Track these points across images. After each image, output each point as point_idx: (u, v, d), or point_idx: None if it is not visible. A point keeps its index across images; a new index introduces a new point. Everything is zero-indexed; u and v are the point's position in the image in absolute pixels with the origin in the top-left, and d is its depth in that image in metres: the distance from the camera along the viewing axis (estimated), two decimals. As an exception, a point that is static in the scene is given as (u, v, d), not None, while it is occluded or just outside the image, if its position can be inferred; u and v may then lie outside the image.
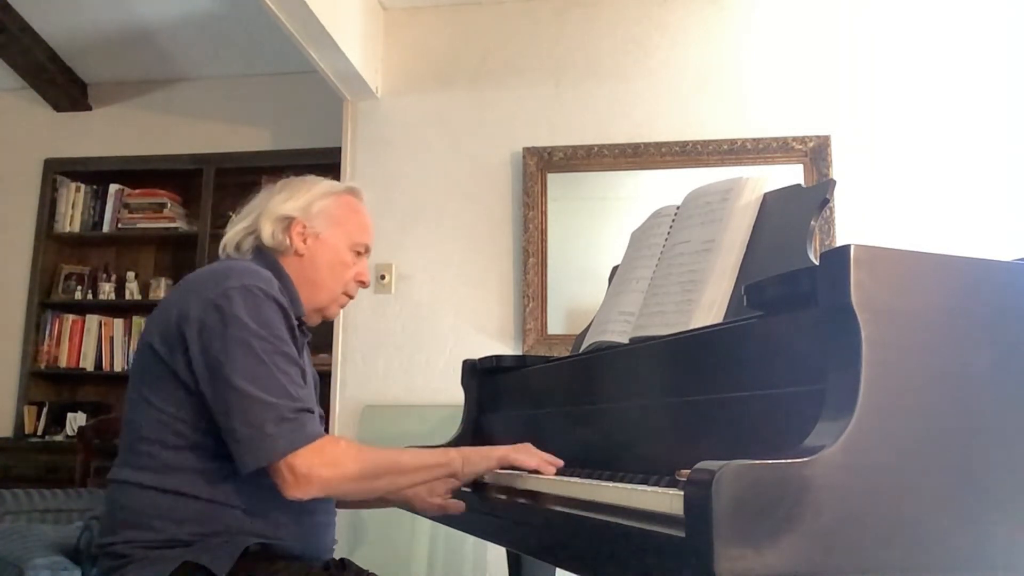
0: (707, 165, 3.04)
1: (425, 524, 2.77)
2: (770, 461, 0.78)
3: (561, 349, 2.92)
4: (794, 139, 3.01)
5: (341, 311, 1.59)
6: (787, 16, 3.12)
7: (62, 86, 3.97)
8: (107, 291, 3.89)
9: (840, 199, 2.92)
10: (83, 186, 4.00)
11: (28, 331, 3.87)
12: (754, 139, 3.03)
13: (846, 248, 0.88)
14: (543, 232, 3.12)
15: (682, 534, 0.81)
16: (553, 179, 3.16)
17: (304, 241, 1.47)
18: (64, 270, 3.99)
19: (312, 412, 1.27)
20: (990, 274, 0.95)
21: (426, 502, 1.49)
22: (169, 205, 3.91)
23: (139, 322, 3.86)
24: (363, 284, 1.56)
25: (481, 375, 1.94)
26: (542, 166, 3.15)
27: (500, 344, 3.06)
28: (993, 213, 2.86)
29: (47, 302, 3.92)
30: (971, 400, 0.89)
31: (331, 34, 2.82)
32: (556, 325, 3.06)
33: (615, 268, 1.74)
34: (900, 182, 2.95)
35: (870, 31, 3.06)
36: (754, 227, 1.35)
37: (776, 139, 3.02)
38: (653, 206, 1.61)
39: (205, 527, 1.24)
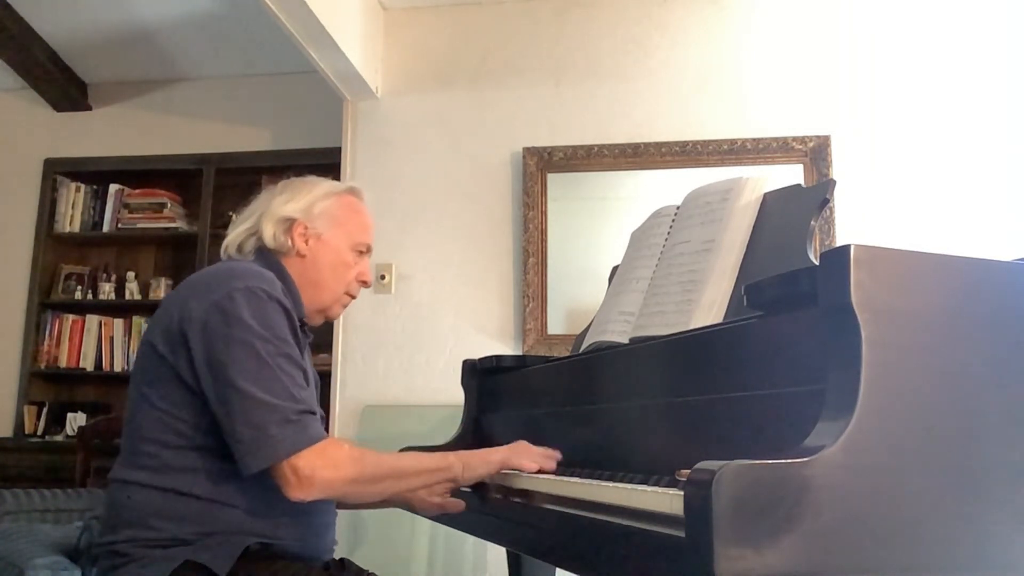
0: (707, 165, 3.04)
1: (425, 524, 2.77)
2: (770, 461, 0.78)
3: (561, 349, 2.92)
4: (794, 139, 3.01)
5: (343, 311, 1.59)
6: (787, 16, 3.12)
7: (62, 86, 3.97)
8: (107, 291, 3.89)
9: (840, 199, 2.92)
10: (83, 186, 4.00)
11: (28, 331, 3.87)
12: (754, 139, 3.03)
13: (846, 248, 0.88)
14: (543, 232, 3.12)
15: (682, 534, 0.81)
16: (553, 179, 3.16)
17: (306, 242, 1.48)
18: (64, 270, 3.99)
19: (314, 414, 1.27)
20: (990, 274, 0.95)
21: (425, 502, 1.49)
22: (169, 205, 3.91)
23: (139, 322, 3.86)
24: (365, 284, 1.56)
25: (481, 375, 1.94)
26: (542, 166, 3.15)
27: (500, 344, 3.06)
28: (993, 213, 2.86)
29: (47, 302, 3.92)
30: (971, 400, 0.89)
31: (331, 34, 2.82)
32: (556, 325, 3.06)
33: (615, 268, 1.74)
34: (900, 182, 2.95)
35: (870, 31, 3.06)
36: (754, 227, 1.35)
37: (776, 139, 3.02)
38: (653, 206, 1.61)
39: (206, 526, 1.25)
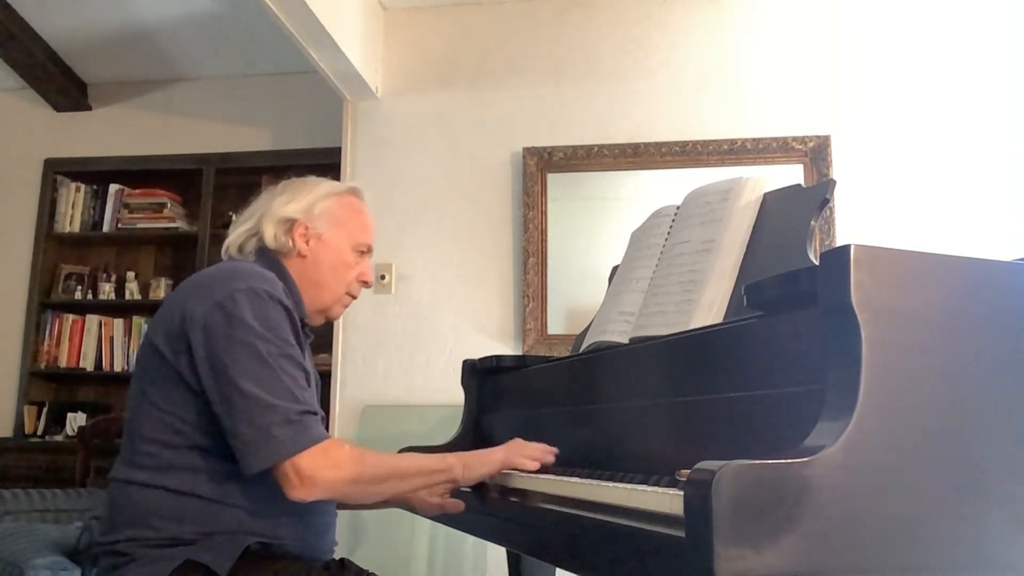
0: (707, 165, 3.04)
1: (425, 524, 2.77)
2: (770, 461, 0.78)
3: (561, 349, 2.92)
4: (794, 139, 3.01)
5: (344, 311, 1.59)
6: (787, 16, 3.12)
7: (62, 86, 3.97)
8: (107, 291, 3.89)
9: (840, 199, 2.92)
10: (83, 186, 4.00)
11: (28, 331, 3.87)
12: (754, 139, 3.03)
13: (846, 248, 0.88)
14: (543, 232, 3.12)
15: (682, 534, 0.81)
16: (553, 179, 3.16)
17: (307, 242, 1.48)
18: (64, 270, 3.99)
19: (316, 414, 1.28)
20: (990, 274, 0.95)
21: (425, 502, 1.49)
22: (169, 205, 3.91)
23: (139, 322, 3.86)
24: (366, 284, 1.57)
25: (481, 375, 1.94)
26: (542, 166, 3.15)
27: (500, 344, 3.06)
28: (993, 213, 2.86)
29: (47, 302, 3.92)
30: (971, 400, 0.89)
31: (331, 34, 2.82)
32: (556, 325, 3.06)
33: (615, 268, 1.74)
34: (900, 182, 2.95)
35: (870, 31, 3.06)
36: (754, 227, 1.35)
37: (776, 139, 3.02)
38: (653, 206, 1.61)
39: (206, 526, 1.25)
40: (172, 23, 3.65)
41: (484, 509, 1.48)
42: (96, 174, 4.00)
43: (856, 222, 2.91)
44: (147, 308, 3.86)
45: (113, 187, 3.96)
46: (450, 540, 2.88)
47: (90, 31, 3.73)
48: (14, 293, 3.92)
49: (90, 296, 3.93)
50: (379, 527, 2.88)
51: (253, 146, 3.89)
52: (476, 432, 1.90)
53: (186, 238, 3.90)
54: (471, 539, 2.81)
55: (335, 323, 3.12)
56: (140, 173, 3.97)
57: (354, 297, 1.57)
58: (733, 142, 3.04)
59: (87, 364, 3.85)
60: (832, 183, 1.35)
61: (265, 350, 1.24)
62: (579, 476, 1.25)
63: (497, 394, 1.89)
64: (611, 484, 1.08)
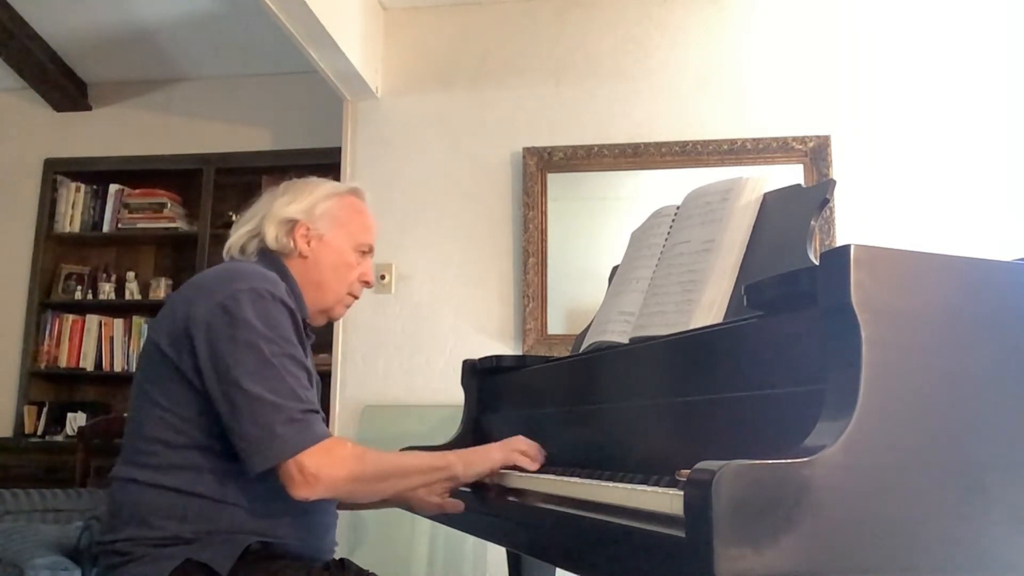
0: (707, 165, 3.04)
1: (425, 524, 2.77)
2: (770, 461, 0.78)
3: (561, 349, 2.92)
4: (794, 139, 3.01)
5: (346, 311, 1.60)
6: (787, 16, 3.12)
7: (62, 86, 3.97)
8: (107, 291, 3.89)
9: (840, 199, 2.92)
10: (83, 186, 4.00)
11: (28, 331, 3.87)
12: (754, 139, 3.03)
13: (846, 248, 0.87)
14: (543, 232, 3.12)
15: (682, 534, 0.81)
16: (553, 179, 3.16)
17: (308, 243, 1.48)
18: (64, 270, 3.99)
19: (318, 413, 1.28)
20: (990, 274, 0.95)
21: (425, 502, 1.49)
22: (169, 205, 3.91)
23: (139, 322, 3.86)
24: (367, 284, 1.57)
25: (481, 375, 1.94)
26: (542, 166, 3.15)
27: (500, 344, 3.06)
28: (993, 213, 2.86)
29: (47, 302, 3.92)
30: (971, 400, 0.89)
31: (331, 34, 2.82)
32: (556, 325, 3.06)
33: (615, 268, 1.74)
34: (900, 182, 2.95)
35: (870, 31, 3.06)
36: (754, 227, 1.35)
37: (776, 139, 3.02)
38: (653, 206, 1.61)
39: (207, 525, 1.25)
40: (172, 23, 3.65)
41: (484, 509, 1.48)
42: (96, 174, 4.00)
43: (856, 222, 2.91)
44: (147, 308, 3.86)
45: (113, 187, 3.96)
46: (450, 540, 2.88)
47: (90, 31, 3.73)
48: (14, 293, 3.92)
49: (90, 296, 3.93)
50: (379, 527, 2.88)
51: (253, 146, 3.89)
52: (476, 432, 1.90)
53: (186, 238, 3.90)
54: (471, 539, 2.81)
55: (335, 323, 3.12)
56: (140, 173, 3.97)
57: (356, 297, 1.57)
58: (733, 142, 3.04)
59: (87, 364, 3.85)
60: (832, 183, 1.35)
61: (268, 350, 1.25)
62: (579, 476, 1.25)
63: (497, 394, 1.89)
64: (611, 484, 1.08)
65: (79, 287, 3.94)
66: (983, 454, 0.88)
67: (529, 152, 3.16)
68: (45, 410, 3.79)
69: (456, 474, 1.40)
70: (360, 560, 1.38)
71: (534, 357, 1.92)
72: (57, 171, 4.02)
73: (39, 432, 3.75)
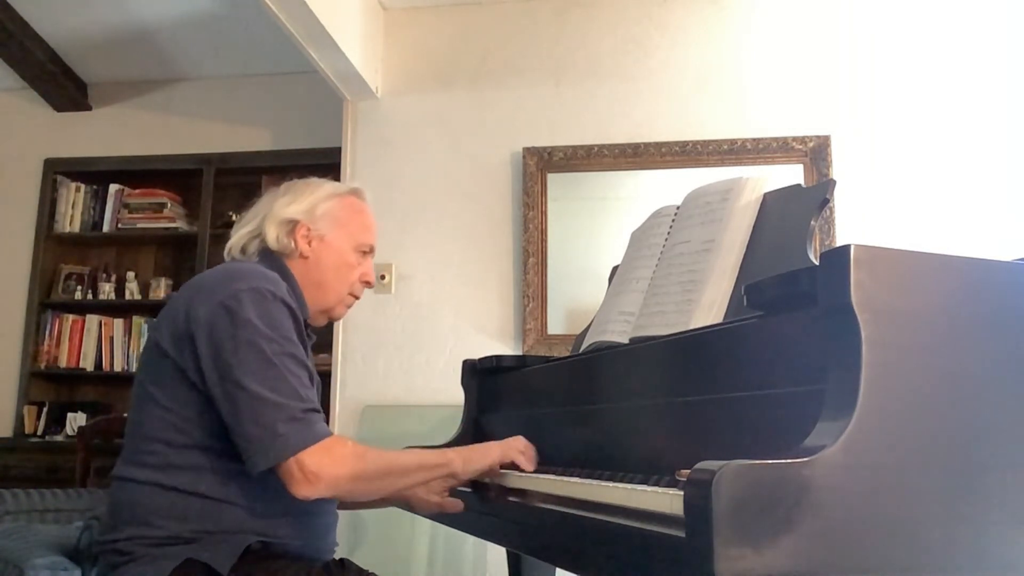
0: (707, 165, 3.04)
1: (425, 524, 2.77)
2: (770, 461, 0.78)
3: (561, 349, 2.92)
4: (794, 139, 3.01)
5: (347, 311, 1.60)
6: (787, 16, 3.12)
7: (62, 86, 3.97)
8: (107, 291, 3.89)
9: (840, 199, 2.92)
10: (83, 186, 4.00)
11: (28, 331, 3.87)
12: (754, 139, 3.03)
13: (846, 248, 0.88)
14: (543, 232, 3.12)
15: (682, 534, 0.81)
16: (553, 179, 3.16)
17: (309, 244, 1.49)
18: (64, 270, 3.99)
19: (319, 412, 1.28)
20: (990, 274, 0.95)
21: (424, 501, 1.50)
22: (169, 205, 3.91)
23: (139, 322, 3.86)
24: (368, 284, 1.58)
25: (481, 375, 1.94)
26: (542, 166, 3.15)
27: (500, 344, 3.06)
28: (993, 213, 2.86)
29: (47, 302, 3.92)
30: (971, 400, 0.89)
31: (331, 34, 2.82)
32: (556, 325, 3.06)
33: (615, 268, 1.74)
34: (900, 182, 2.95)
35: (870, 31, 3.06)
36: (754, 227, 1.35)
37: (776, 139, 3.02)
38: (653, 206, 1.61)
39: (207, 525, 1.25)
40: (172, 23, 3.65)
41: (484, 509, 1.48)
42: (96, 174, 4.00)
43: (856, 222, 2.91)
44: (147, 308, 3.86)
45: (113, 187, 3.96)
46: (450, 540, 2.88)
47: (90, 31, 3.73)
48: (14, 293, 3.92)
49: (90, 296, 3.93)
50: (379, 527, 2.88)
51: (253, 146, 3.89)
52: (476, 432, 1.90)
53: (186, 238, 3.90)
54: (471, 539, 2.81)
55: (335, 323, 3.12)
56: (140, 173, 3.97)
57: (356, 298, 1.58)
58: (733, 142, 3.04)
59: (87, 364, 3.85)
60: (832, 183, 1.35)
61: (269, 349, 1.25)
62: (579, 476, 1.25)
63: (497, 394, 1.89)
64: (611, 484, 1.08)
65: (79, 287, 3.94)
66: (983, 454, 0.88)
67: (529, 152, 3.16)
68: (45, 410, 3.79)
69: (455, 471, 1.40)
70: (360, 560, 1.38)
71: (534, 357, 1.92)
72: (57, 171, 4.02)
73: (39, 432, 3.75)
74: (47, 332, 3.88)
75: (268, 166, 3.79)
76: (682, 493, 0.81)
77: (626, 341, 1.44)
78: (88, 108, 4.10)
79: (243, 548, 1.24)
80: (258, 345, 1.25)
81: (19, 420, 3.77)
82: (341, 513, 1.51)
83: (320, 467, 1.21)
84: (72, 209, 3.98)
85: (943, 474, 0.85)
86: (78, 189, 3.99)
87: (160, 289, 3.86)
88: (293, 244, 1.47)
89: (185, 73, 4.00)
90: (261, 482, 1.25)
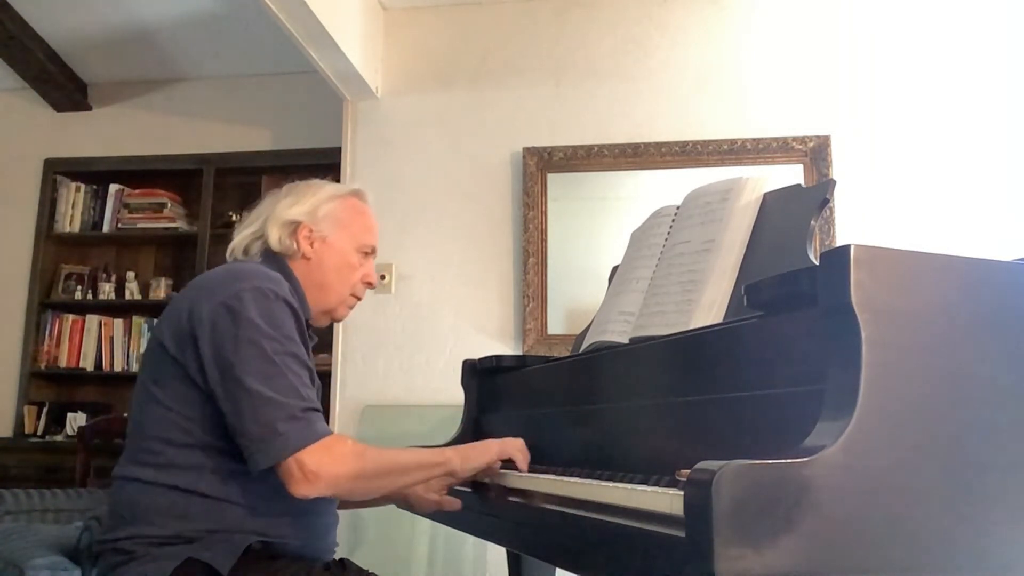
0: (707, 165, 3.04)
1: (425, 524, 2.77)
2: (770, 461, 0.78)
3: (561, 349, 2.92)
4: (794, 139, 3.01)
5: (349, 312, 1.60)
6: (787, 16, 3.12)
7: (62, 86, 3.97)
8: (107, 291, 3.89)
9: (840, 199, 2.93)
10: (83, 186, 4.00)
11: (28, 331, 3.87)
12: (754, 139, 3.03)
13: (846, 248, 0.87)
14: (543, 232, 3.12)
15: (682, 534, 0.81)
16: (553, 179, 3.16)
17: (311, 245, 1.49)
18: (64, 270, 3.99)
19: (319, 411, 1.28)
20: (990, 274, 0.95)
21: (423, 499, 1.50)
22: (169, 205, 3.91)
23: (139, 322, 3.86)
24: (370, 285, 1.58)
25: (481, 375, 1.94)
26: (542, 166, 3.15)
27: (500, 344, 3.06)
28: (993, 213, 2.86)
29: (47, 302, 3.92)
30: (971, 400, 0.89)
31: (331, 34, 2.82)
32: (556, 325, 3.06)
33: (615, 268, 1.74)
34: (900, 182, 2.95)
35: (870, 31, 3.06)
36: (754, 227, 1.35)
37: (776, 139, 3.02)
38: (653, 206, 1.61)
39: (208, 524, 1.25)
40: (172, 23, 3.65)
41: (484, 509, 1.48)
42: (96, 174, 4.00)
43: (856, 222, 2.91)
44: (147, 308, 3.86)
45: (113, 187, 3.96)
46: (450, 540, 2.88)
47: (90, 31, 3.73)
48: (14, 293, 3.92)
49: (90, 296, 3.93)
50: (379, 527, 2.88)
51: (253, 146, 3.89)
52: (476, 432, 1.90)
53: (186, 238, 3.90)
54: (471, 539, 2.81)
55: (335, 323, 3.12)
56: (140, 173, 3.97)
57: (358, 299, 1.58)
58: (733, 142, 3.04)
59: (87, 364, 3.85)
60: (832, 183, 1.35)
61: (271, 348, 1.25)
62: (579, 476, 1.25)
63: (497, 394, 1.89)
64: (611, 484, 1.08)
65: (79, 287, 3.94)
66: (983, 454, 0.88)
67: (529, 152, 3.16)
68: (45, 410, 3.79)
69: (454, 469, 1.41)
70: (360, 560, 1.38)
71: (534, 357, 1.92)
72: (57, 171, 4.02)
73: (39, 432, 3.75)
74: (47, 332, 3.88)
75: (268, 166, 3.80)
76: (682, 493, 0.81)
77: (626, 341, 1.44)
78: (88, 108, 4.10)
79: (244, 548, 1.24)
80: (259, 344, 1.25)
81: (19, 420, 3.78)
82: (341, 513, 1.51)
83: (320, 466, 1.22)
84: (72, 209, 3.98)
85: (943, 474, 0.85)
86: (78, 189, 3.99)
87: (160, 289, 3.86)
88: (295, 245, 1.48)
89: (185, 73, 4.00)
90: (262, 482, 1.25)
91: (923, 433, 0.86)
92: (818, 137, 2.99)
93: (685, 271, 1.38)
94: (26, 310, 3.89)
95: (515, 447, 1.46)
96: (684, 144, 3.07)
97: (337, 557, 1.38)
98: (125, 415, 3.34)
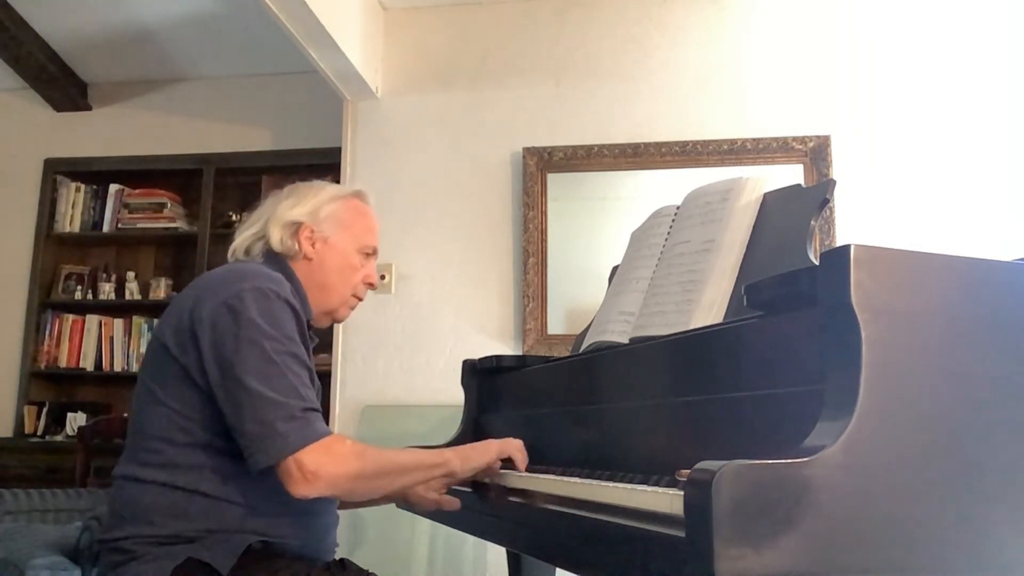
0: (707, 165, 3.04)
1: (425, 524, 2.77)
2: (770, 461, 0.78)
3: (561, 349, 2.92)
4: (794, 139, 3.01)
5: (350, 313, 1.60)
6: (787, 16, 3.12)
7: (62, 86, 3.97)
8: (107, 291, 3.89)
9: (840, 199, 2.92)
10: (83, 186, 4.00)
11: (28, 331, 3.87)
12: (754, 139, 3.03)
13: (846, 248, 0.88)
14: (543, 232, 3.12)
15: (682, 534, 0.81)
16: (553, 179, 3.16)
17: (313, 245, 1.49)
18: (64, 270, 3.99)
19: (319, 411, 1.28)
20: (990, 274, 0.95)
21: (423, 498, 1.50)
22: (169, 205, 3.91)
23: (139, 322, 3.86)
24: (372, 286, 1.59)
25: (481, 375, 1.94)
26: (542, 166, 3.15)
27: (500, 344, 3.06)
28: (993, 213, 2.86)
29: (47, 302, 3.92)
30: (971, 400, 0.89)
31: (331, 34, 2.82)
32: (556, 325, 3.06)
33: (615, 268, 1.74)
34: (900, 182, 2.95)
35: (870, 31, 3.06)
36: (754, 227, 1.35)
37: (776, 139, 3.02)
38: (653, 206, 1.61)
39: (208, 524, 1.25)
40: (172, 23, 3.65)
41: (484, 509, 1.48)
42: (96, 174, 4.00)
43: (856, 222, 2.91)
44: (147, 308, 3.86)
45: (113, 187, 3.96)
46: (450, 540, 2.88)
47: (90, 31, 3.73)
48: (14, 293, 3.92)
49: (90, 296, 3.93)
50: (379, 527, 2.88)
51: (253, 146, 3.89)
52: (476, 432, 1.90)
53: (186, 238, 3.90)
54: (471, 539, 2.81)
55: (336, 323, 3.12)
56: (140, 173, 3.97)
57: (360, 299, 1.58)
58: (733, 142, 3.04)
59: (87, 364, 3.85)
60: (832, 183, 1.35)
61: (270, 347, 1.26)
62: (579, 476, 1.25)
63: (497, 394, 1.89)
64: (611, 484, 1.08)
65: (79, 287, 3.94)
66: (983, 454, 0.88)
67: (529, 152, 3.16)
68: (45, 410, 3.79)
69: (454, 470, 1.41)
70: (360, 560, 1.38)
71: (534, 357, 1.93)
72: (57, 171, 4.02)
73: (39, 432, 3.75)
74: (47, 332, 3.88)
75: (268, 166, 3.80)
76: (682, 493, 0.81)
77: (626, 341, 1.44)
78: (88, 108, 4.10)
79: (244, 548, 1.24)
80: (260, 343, 1.25)
81: (19, 420, 3.77)
82: (341, 513, 1.51)
83: (319, 466, 1.22)
84: (72, 209, 3.98)
85: (943, 474, 0.85)
86: (78, 189, 3.99)
87: (160, 289, 3.86)
88: (297, 246, 1.48)
89: (185, 73, 4.00)
90: (262, 482, 1.25)
91: (923, 433, 0.86)
92: (818, 137, 2.99)
93: (685, 271, 1.38)
94: (26, 310, 3.89)
95: (515, 447, 1.47)
96: (684, 144, 3.07)
97: (337, 557, 1.39)
98: (125, 415, 3.35)
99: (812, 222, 1.26)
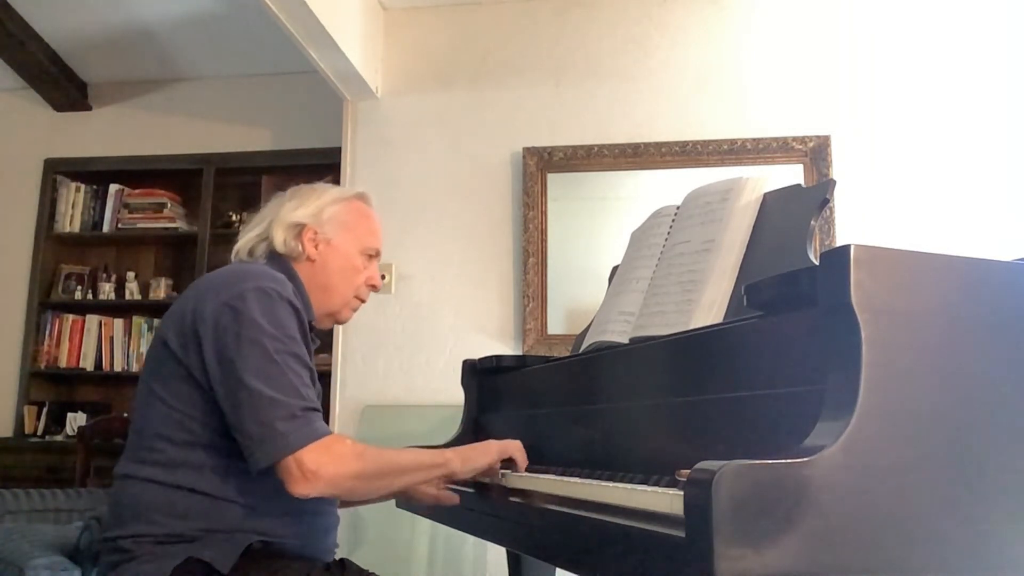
0: (707, 165, 3.04)
1: (425, 524, 2.77)
2: (770, 461, 0.78)
3: (561, 349, 2.92)
4: (794, 139, 3.01)
5: (352, 315, 1.61)
6: (787, 16, 3.12)
7: (62, 86, 3.97)
8: (107, 291, 3.89)
9: (840, 199, 2.93)
10: (83, 186, 4.00)
11: (28, 331, 3.87)
12: (754, 139, 3.03)
13: (846, 248, 0.88)
14: (543, 232, 3.12)
15: (682, 534, 0.81)
16: (553, 179, 3.16)
17: (316, 247, 1.50)
18: (64, 270, 3.99)
19: (319, 411, 1.28)
20: (990, 274, 0.95)
21: (423, 493, 1.50)
22: (169, 205, 3.91)
23: (139, 322, 3.86)
24: (374, 288, 1.59)
25: (481, 375, 1.94)
26: (542, 166, 3.15)
27: (500, 344, 3.06)
28: (993, 213, 2.86)
29: (47, 302, 3.92)
30: (971, 400, 0.89)
31: (331, 34, 2.82)
32: (556, 325, 3.06)
33: (615, 268, 1.74)
34: (900, 182, 2.95)
35: (870, 31, 3.06)
36: (754, 227, 1.35)
37: (776, 139, 3.02)
38: (653, 206, 1.61)
39: (209, 523, 1.25)
40: (172, 23, 3.65)
41: (484, 509, 1.48)
42: (96, 174, 4.00)
43: (856, 222, 2.91)
44: (147, 308, 3.86)
45: (113, 187, 3.96)
46: (450, 540, 2.88)
47: (90, 31, 3.73)
48: (14, 293, 3.92)
49: (90, 296, 3.93)
50: (379, 527, 2.88)
51: (253, 146, 3.89)
52: (476, 432, 1.90)
53: (186, 238, 3.90)
54: (471, 539, 2.81)
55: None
56: (140, 173, 3.97)
57: (363, 301, 1.59)
58: (733, 142, 3.04)
59: (87, 364, 3.85)
60: (832, 183, 1.35)
61: (272, 347, 1.26)
62: (579, 476, 1.25)
63: (497, 394, 1.89)
64: (611, 484, 1.08)
65: (79, 287, 3.94)
66: (983, 454, 0.88)
67: (529, 152, 3.16)
68: (45, 410, 3.79)
69: (454, 470, 1.41)
70: (360, 560, 1.38)
71: (534, 357, 1.93)
72: (57, 171, 4.02)
73: (39, 432, 3.75)
74: (47, 332, 3.88)
75: (268, 166, 3.80)
76: (682, 493, 0.81)
77: (626, 341, 1.44)
78: (88, 108, 4.10)
79: (244, 547, 1.25)
80: (261, 343, 1.25)
81: (19, 420, 3.77)
82: (341, 513, 1.51)
83: (319, 465, 1.22)
84: (72, 209, 3.98)
85: (943, 474, 0.85)
86: (78, 189, 3.99)
87: (160, 289, 3.86)
88: (300, 247, 1.49)
89: (185, 73, 4.00)
90: (263, 481, 1.25)
91: (923, 433, 0.86)
92: (818, 137, 2.99)
93: (685, 271, 1.38)
94: (26, 310, 3.89)
95: (515, 448, 1.47)
96: (684, 144, 3.07)
97: (337, 557, 1.39)
98: (125, 415, 3.35)
99: (812, 222, 1.26)
